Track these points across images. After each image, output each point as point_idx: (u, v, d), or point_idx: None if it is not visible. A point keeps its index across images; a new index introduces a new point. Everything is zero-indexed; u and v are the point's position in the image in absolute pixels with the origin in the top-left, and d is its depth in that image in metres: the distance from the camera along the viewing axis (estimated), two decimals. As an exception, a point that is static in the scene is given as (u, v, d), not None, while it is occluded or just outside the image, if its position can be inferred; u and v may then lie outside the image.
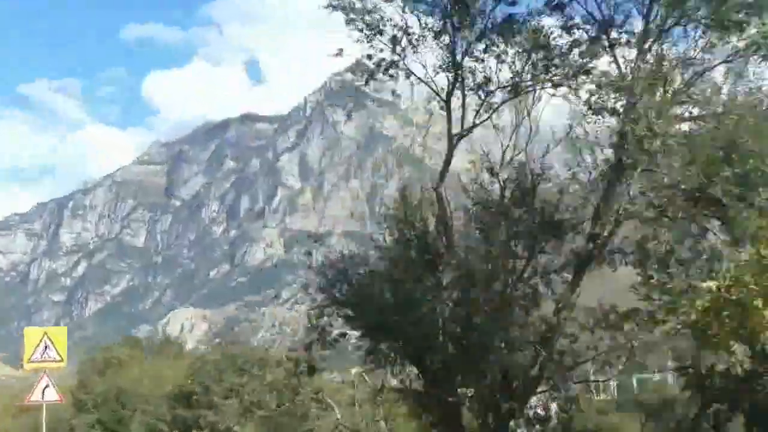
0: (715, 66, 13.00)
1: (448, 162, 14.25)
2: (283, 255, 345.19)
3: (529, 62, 13.45)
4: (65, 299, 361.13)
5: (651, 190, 12.25)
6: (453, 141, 14.20)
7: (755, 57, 12.59)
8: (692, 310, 9.47)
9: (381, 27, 14.03)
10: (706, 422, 14.66)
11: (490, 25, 13.64)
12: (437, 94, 14.19)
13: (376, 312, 14.37)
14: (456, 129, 17.04)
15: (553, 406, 14.30)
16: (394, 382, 19.96)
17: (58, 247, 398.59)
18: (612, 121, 12.79)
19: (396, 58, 14.20)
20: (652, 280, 11.26)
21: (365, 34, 14.17)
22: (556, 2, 13.30)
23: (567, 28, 13.36)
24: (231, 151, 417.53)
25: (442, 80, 14.35)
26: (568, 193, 13.98)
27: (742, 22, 12.26)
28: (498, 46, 13.62)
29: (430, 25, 13.91)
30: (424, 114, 21.80)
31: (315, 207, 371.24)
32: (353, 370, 19.85)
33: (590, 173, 13.65)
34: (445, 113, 22.34)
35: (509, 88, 13.96)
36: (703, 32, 12.76)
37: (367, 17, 14.06)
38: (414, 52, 14.11)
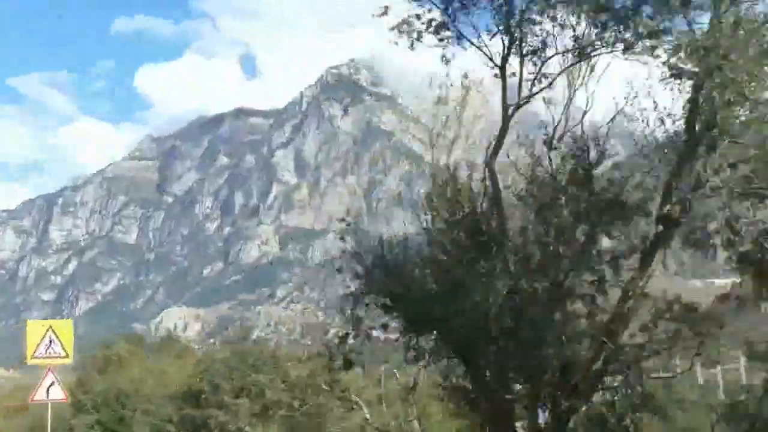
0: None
1: (502, 135, 13.14)
2: (278, 252, 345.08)
3: (595, 24, 12.35)
4: (55, 298, 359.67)
5: (737, 162, 11.19)
6: (508, 112, 13.09)
7: None
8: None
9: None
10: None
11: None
12: (491, 59, 13.09)
13: (419, 301, 13.31)
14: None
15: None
16: (425, 379, 18.95)
17: (47, 244, 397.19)
18: (687, 87, 11.72)
19: (446, 19, 13.11)
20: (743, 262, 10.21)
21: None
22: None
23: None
24: (225, 147, 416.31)
25: (495, 46, 13.25)
26: (635, 170, 12.89)
27: None
28: (558, 8, 12.53)
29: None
30: (456, 90, 20.84)
31: (311, 203, 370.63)
32: (382, 367, 18.79)
33: (660, 147, 12.57)
34: (466, 94, 21.26)
35: (571, 53, 12.83)
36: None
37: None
38: (466, 13, 13.02)
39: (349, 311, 14.15)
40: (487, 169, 13.20)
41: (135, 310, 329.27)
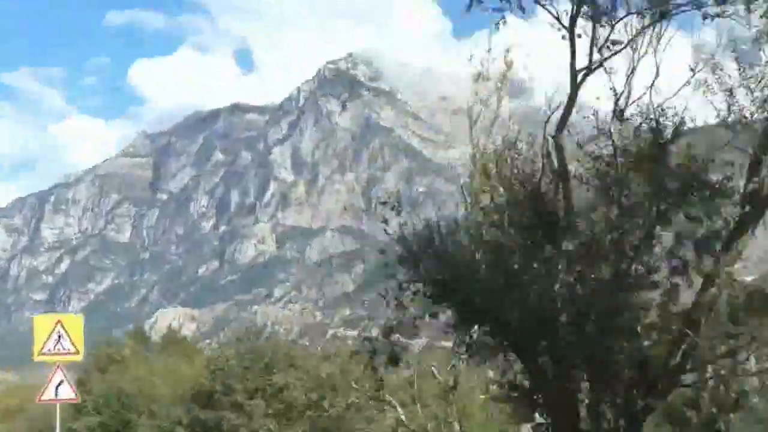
0: None
1: (569, 104, 12.03)
2: (275, 251, 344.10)
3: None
4: (47, 298, 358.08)
5: None
6: (576, 78, 11.99)
7: None
8: None
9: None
10: None
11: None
12: (558, 20, 11.99)
13: (473, 290, 12.24)
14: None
15: None
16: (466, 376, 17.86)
17: (39, 243, 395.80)
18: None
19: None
20: None
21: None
22: None
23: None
24: (220, 143, 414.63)
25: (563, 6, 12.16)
26: (716, 144, 11.81)
27: None
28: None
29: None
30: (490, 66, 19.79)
31: (308, 201, 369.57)
32: (413, 364, 17.69)
33: (745, 118, 11.51)
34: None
35: (646, 13, 11.75)
36: None
37: None
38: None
39: (395, 301, 13.10)
40: (552, 143, 12.08)
41: (129, 310, 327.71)
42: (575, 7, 11.72)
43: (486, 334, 12.76)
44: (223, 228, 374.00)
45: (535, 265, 11.93)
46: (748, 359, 12.07)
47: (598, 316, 11.66)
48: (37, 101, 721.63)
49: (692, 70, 12.03)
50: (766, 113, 11.27)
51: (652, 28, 12.45)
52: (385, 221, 13.53)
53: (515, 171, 12.52)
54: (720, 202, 11.72)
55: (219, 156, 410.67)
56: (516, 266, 11.98)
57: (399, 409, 16.49)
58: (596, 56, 12.45)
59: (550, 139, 12.40)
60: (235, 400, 24.92)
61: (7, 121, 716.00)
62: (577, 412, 12.34)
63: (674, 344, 11.62)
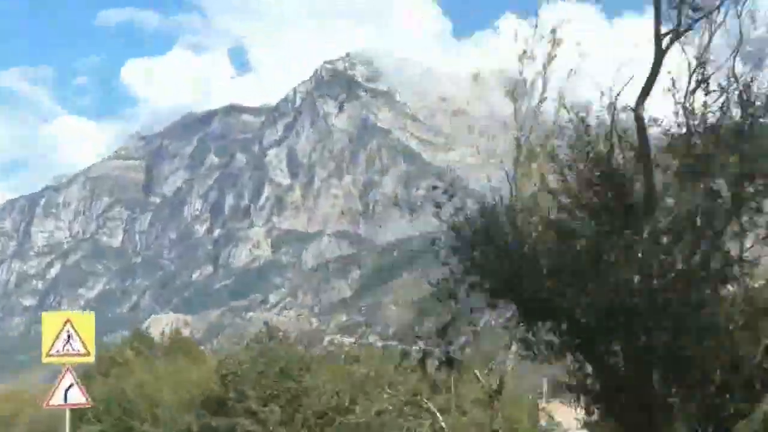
0: None
1: (653, 74, 10.97)
2: (270, 256, 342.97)
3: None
4: (37, 303, 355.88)
5: None
6: (662, 44, 10.94)
7: None
8: None
9: None
10: None
11: None
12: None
13: (539, 283, 11.20)
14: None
15: None
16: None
17: (29, 247, 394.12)
18: None
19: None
20: None
21: None
22: None
23: None
24: (215, 145, 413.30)
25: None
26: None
27: None
28: None
29: None
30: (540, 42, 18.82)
31: (304, 205, 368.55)
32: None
33: None
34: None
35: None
36: None
37: None
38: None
39: (449, 297, 12.06)
40: (634, 116, 11.02)
41: (121, 316, 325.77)
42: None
43: (551, 331, 11.72)
44: (217, 232, 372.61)
45: (611, 254, 10.87)
46: None
47: (682, 310, 10.64)
48: (27, 101, 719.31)
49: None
50: None
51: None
52: (438, 206, 12.46)
53: (584, 151, 11.43)
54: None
55: (213, 158, 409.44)
56: (589, 254, 10.92)
57: (438, 416, 15.43)
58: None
59: (622, 113, 11.37)
60: (249, 407, 23.86)
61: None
62: (656, 418, 11.30)
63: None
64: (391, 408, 16.53)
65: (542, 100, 15.60)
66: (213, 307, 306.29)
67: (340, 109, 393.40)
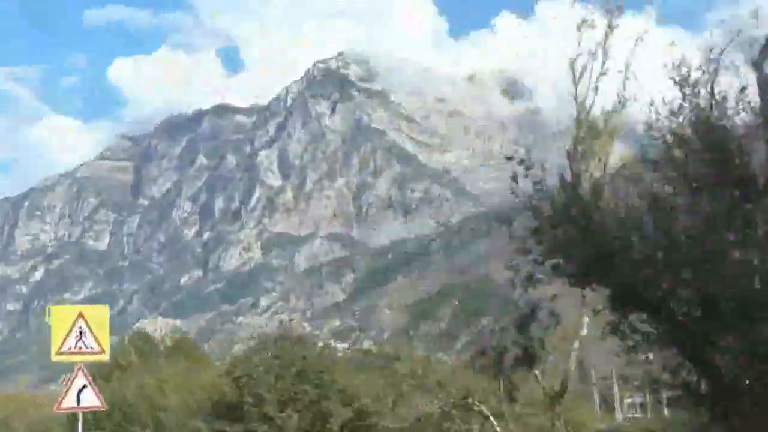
0: None
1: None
2: (261, 259, 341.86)
3: None
4: (21, 308, 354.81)
5: None
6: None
7: None
8: None
9: None
10: None
11: None
12: None
13: (633, 267, 9.92)
14: None
15: None
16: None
17: (12, 250, 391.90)
18: None
19: None
20: None
21: None
22: None
23: None
24: (204, 146, 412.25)
25: None
26: None
27: None
28: None
29: None
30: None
31: (296, 207, 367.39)
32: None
33: None
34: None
35: None
36: None
37: None
38: None
39: (526, 282, 10.76)
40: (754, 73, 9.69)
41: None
42: None
43: (645, 323, 10.43)
44: (206, 235, 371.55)
45: (724, 234, 9.56)
46: None
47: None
48: (11, 101, 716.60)
49: None
50: None
51: None
52: (515, 178, 11.14)
53: (690, 115, 10.09)
54: None
55: (203, 159, 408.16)
56: (698, 235, 9.61)
57: (492, 420, 14.07)
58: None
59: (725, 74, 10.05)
60: (266, 412, 22.53)
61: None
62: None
63: None
64: (437, 411, 15.29)
65: (604, 72, 14.22)
66: (203, 311, 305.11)
67: (333, 109, 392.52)
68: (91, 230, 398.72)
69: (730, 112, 9.87)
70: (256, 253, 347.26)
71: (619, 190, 11.22)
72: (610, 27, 16.84)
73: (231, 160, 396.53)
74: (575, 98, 17.13)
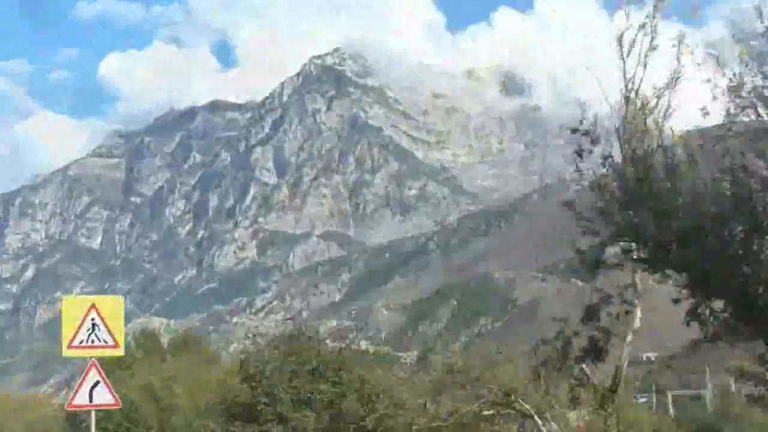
0: None
1: None
2: (256, 258, 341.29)
3: None
4: (11, 308, 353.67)
5: None
6: None
7: None
8: None
9: None
10: None
11: None
12: None
13: (712, 252, 9.09)
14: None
15: None
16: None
17: (3, 249, 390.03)
18: None
19: None
20: None
21: None
22: None
23: None
24: (198, 143, 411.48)
25: None
26: None
27: None
28: None
29: None
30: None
31: (292, 205, 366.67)
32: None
33: None
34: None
35: None
36: None
37: None
38: None
39: (595, 266, 9.91)
40: None
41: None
42: None
43: (725, 312, 9.62)
44: (200, 234, 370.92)
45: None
46: None
47: None
48: (1, 98, 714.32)
49: None
50: None
51: None
52: (579, 152, 10.28)
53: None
54: None
55: (197, 157, 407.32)
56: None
57: (537, 419, 13.22)
58: None
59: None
60: (280, 412, 21.65)
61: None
62: None
63: None
64: (475, 409, 14.41)
65: (653, 48, 13.38)
66: (196, 311, 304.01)
67: (329, 106, 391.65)
68: (82, 228, 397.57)
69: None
70: (251, 252, 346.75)
71: (688, 167, 10.38)
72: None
73: (225, 157, 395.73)
74: (624, 74, 16.29)
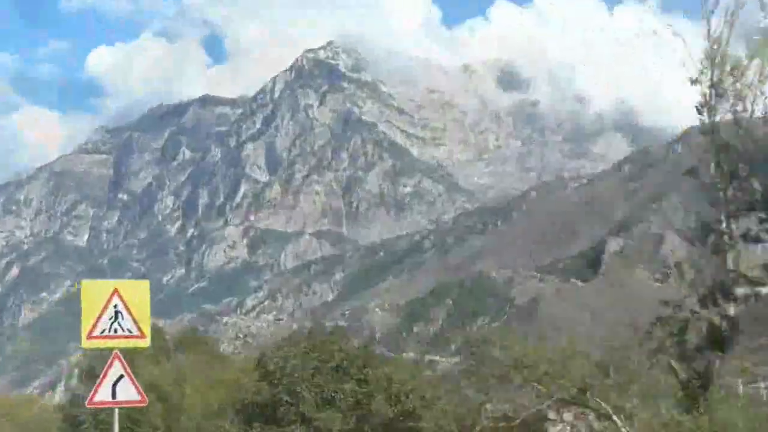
0: None
1: None
2: (247, 257, 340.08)
3: None
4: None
5: None
6: None
7: None
8: None
9: None
10: None
11: None
12: None
13: None
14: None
15: None
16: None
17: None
18: None
19: None
20: None
21: None
22: None
23: None
24: (187, 139, 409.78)
25: None
26: None
27: None
28: None
29: None
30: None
31: (284, 202, 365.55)
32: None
33: None
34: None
35: None
36: None
37: None
38: None
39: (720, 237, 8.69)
40: None
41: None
42: None
43: None
44: (190, 232, 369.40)
45: None
46: None
47: None
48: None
49: None
50: None
51: None
52: (699, 110, 9.06)
53: None
54: None
55: (186, 153, 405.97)
56: None
57: (617, 420, 11.97)
58: None
59: None
60: (303, 413, 20.43)
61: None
62: None
63: None
64: (543, 408, 13.21)
65: (740, 6, 12.20)
66: (185, 311, 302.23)
67: (322, 101, 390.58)
68: (69, 226, 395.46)
69: None
70: (242, 251, 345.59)
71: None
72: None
73: (215, 153, 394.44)
74: (708, 32, 15.09)
